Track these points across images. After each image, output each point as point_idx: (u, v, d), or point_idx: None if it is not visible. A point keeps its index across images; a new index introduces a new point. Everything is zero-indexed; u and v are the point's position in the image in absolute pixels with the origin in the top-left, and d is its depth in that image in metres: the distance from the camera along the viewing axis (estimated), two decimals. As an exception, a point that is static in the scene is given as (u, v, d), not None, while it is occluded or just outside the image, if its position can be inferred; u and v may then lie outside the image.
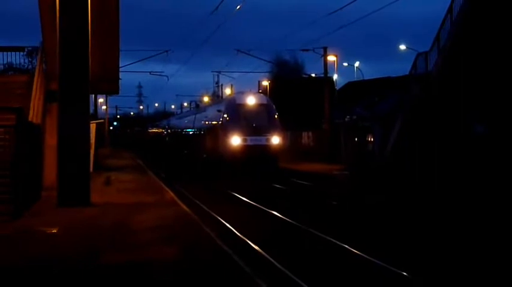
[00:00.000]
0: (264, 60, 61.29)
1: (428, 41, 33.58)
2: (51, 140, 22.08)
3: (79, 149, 19.37)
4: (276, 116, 41.20)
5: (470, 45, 28.91)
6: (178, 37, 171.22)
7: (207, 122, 47.56)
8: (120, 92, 35.60)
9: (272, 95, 57.05)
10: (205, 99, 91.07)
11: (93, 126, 30.79)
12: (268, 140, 39.50)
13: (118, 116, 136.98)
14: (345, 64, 70.73)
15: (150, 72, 66.10)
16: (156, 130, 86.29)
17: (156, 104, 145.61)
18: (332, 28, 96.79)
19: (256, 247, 13.80)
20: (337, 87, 59.82)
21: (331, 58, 53.59)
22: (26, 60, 26.01)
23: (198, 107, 77.00)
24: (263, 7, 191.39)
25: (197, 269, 10.81)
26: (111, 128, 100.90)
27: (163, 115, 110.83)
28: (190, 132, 55.59)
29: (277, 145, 39.89)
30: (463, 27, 29.25)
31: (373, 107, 39.29)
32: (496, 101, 28.40)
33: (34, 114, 21.68)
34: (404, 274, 11.17)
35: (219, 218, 18.61)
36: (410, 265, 11.92)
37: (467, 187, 24.76)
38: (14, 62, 26.07)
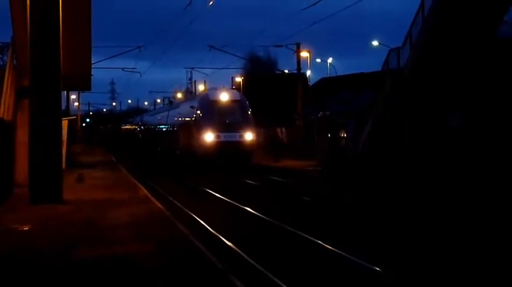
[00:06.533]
0: (237, 56, 61.51)
1: (400, 37, 33.81)
2: (23, 137, 21.85)
3: (51, 146, 19.17)
4: (249, 112, 41.26)
5: (441, 40, 29.06)
6: (151, 33, 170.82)
7: (180, 119, 47.49)
8: (92, 88, 35.50)
9: (245, 91, 57.12)
10: (179, 95, 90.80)
11: (65, 123, 30.51)
12: (241, 136, 39.54)
13: (91, 113, 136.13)
14: (318, 60, 71.00)
15: (122, 68, 66.06)
16: (130, 127, 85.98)
17: (129, 101, 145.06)
18: (305, 24, 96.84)
19: (229, 243, 13.78)
20: (310, 83, 59.97)
21: (304, 54, 53.76)
22: (-4, 57, 25.79)
23: (171, 103, 76.82)
24: (236, 2, 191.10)
25: (170, 266, 10.77)
26: (83, 124, 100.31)
27: (136, 112, 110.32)
28: (164, 129, 55.46)
29: (251, 141, 39.94)
30: (433, 21, 29.38)
31: (346, 102, 39.46)
32: (468, 94, 28.67)
33: (5, 110, 21.47)
34: (377, 269, 11.23)
35: (192, 215, 18.57)
36: (383, 260, 11.98)
37: (441, 184, 24.93)
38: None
